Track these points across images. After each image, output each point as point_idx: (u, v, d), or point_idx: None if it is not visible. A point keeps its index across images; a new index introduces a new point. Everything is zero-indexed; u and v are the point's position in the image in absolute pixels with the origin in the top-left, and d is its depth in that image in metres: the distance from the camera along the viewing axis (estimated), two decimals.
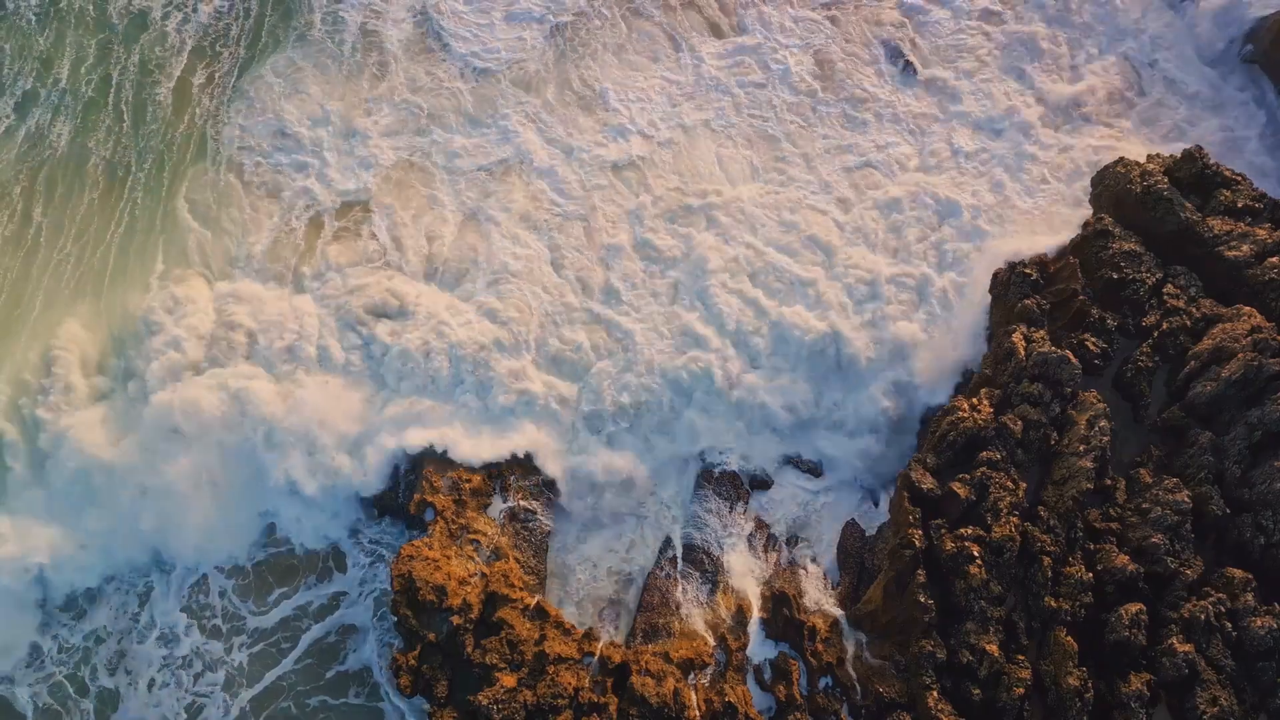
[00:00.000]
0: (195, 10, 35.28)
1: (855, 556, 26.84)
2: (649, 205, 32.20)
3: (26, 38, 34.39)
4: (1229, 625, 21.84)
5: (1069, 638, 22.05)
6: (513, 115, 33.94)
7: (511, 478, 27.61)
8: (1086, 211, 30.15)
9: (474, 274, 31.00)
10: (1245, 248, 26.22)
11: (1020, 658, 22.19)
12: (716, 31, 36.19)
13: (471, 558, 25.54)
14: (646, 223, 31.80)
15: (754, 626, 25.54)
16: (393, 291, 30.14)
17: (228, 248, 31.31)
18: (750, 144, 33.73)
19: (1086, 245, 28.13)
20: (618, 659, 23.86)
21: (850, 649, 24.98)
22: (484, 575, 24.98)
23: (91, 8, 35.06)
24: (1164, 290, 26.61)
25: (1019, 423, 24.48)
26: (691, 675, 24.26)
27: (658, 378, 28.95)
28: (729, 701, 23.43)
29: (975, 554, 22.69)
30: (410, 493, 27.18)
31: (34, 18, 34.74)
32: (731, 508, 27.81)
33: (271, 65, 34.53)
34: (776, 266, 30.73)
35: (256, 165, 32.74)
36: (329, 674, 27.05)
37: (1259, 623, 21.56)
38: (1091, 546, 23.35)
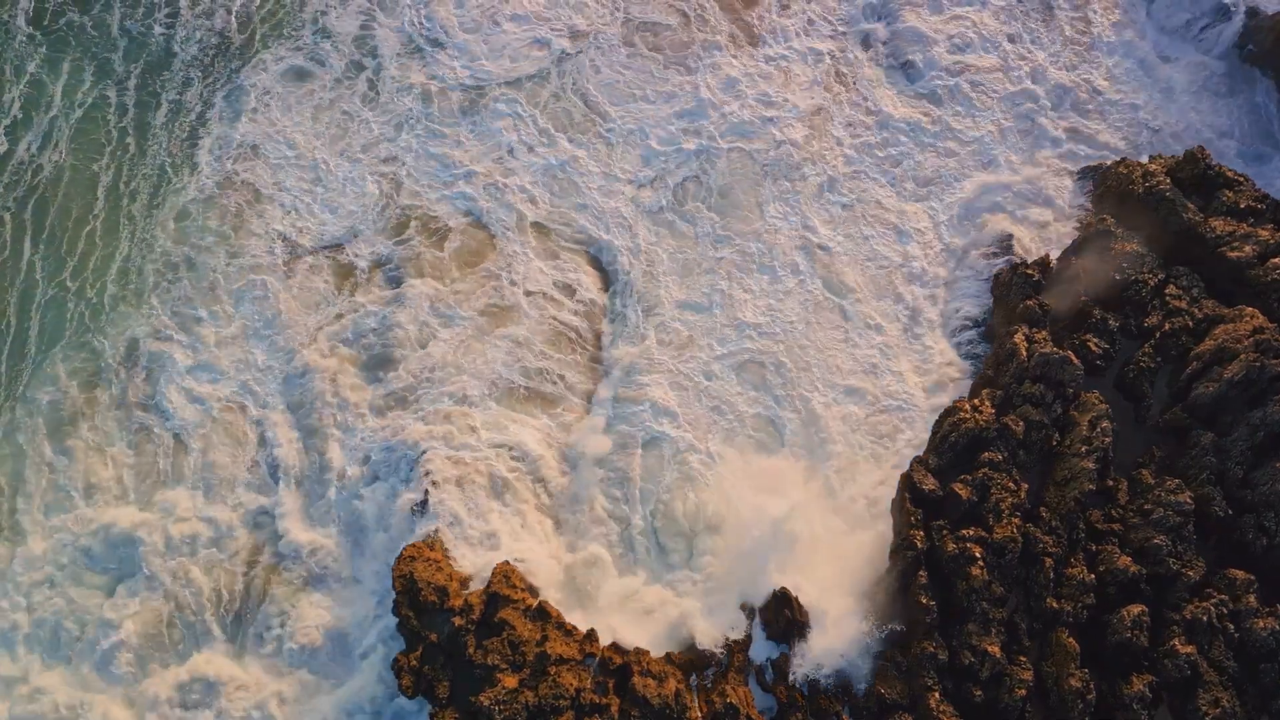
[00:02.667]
0: (190, 25, 35.05)
1: None
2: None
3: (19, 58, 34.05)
4: (1231, 627, 21.81)
5: (1071, 639, 22.02)
6: (509, 139, 33.47)
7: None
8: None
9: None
10: (1247, 248, 26.20)
11: (1022, 659, 22.16)
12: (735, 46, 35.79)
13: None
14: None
15: (755, 627, 25.51)
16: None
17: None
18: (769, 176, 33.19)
19: (1089, 246, 28.12)
20: (619, 660, 23.86)
21: (852, 650, 24.91)
22: (485, 576, 25.08)
23: (90, 25, 34.77)
24: (1166, 291, 26.59)
25: (1021, 423, 24.45)
26: (693, 676, 24.25)
27: None
28: (730, 702, 23.40)
29: (977, 555, 22.67)
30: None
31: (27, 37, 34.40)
32: None
33: (261, 84, 34.20)
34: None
35: (249, 187, 32.34)
36: None
37: (1261, 624, 21.53)
38: (1093, 547, 23.31)
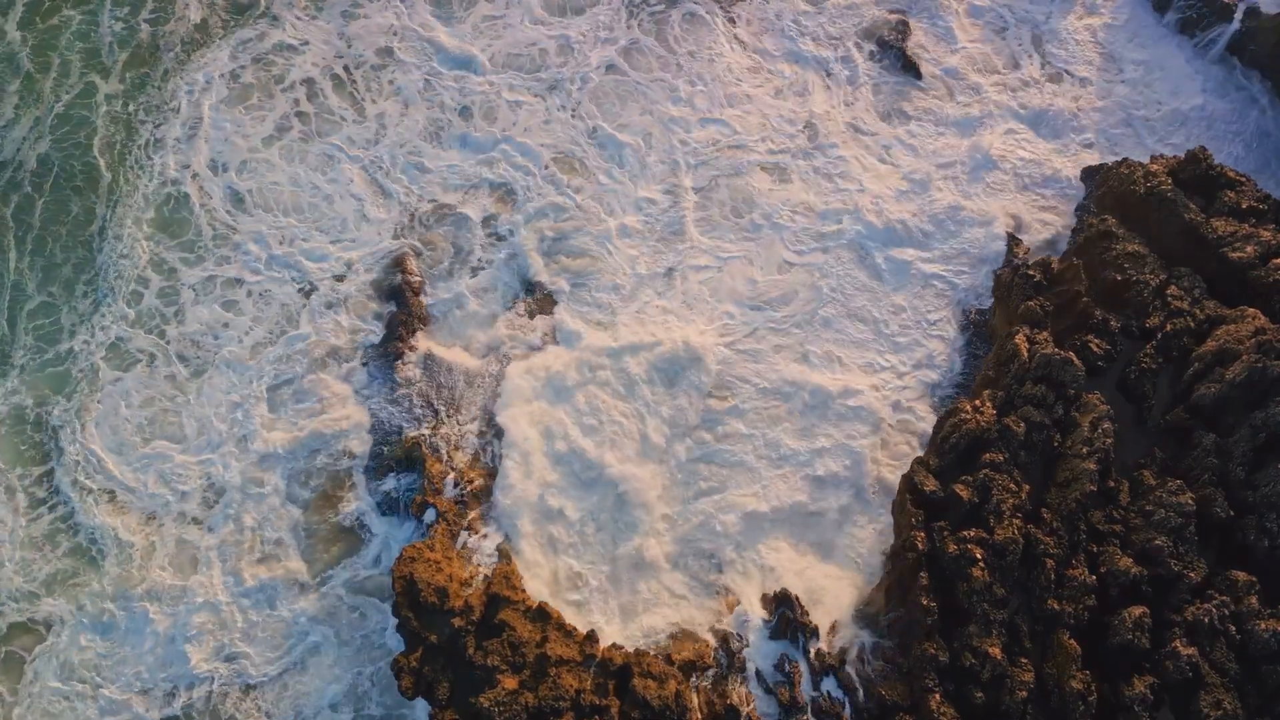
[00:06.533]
0: (180, 33, 34.93)
1: None
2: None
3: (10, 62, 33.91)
4: (1233, 628, 21.74)
5: (1072, 640, 21.97)
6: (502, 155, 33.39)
7: None
8: None
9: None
10: (1249, 249, 26.14)
11: (1023, 660, 22.11)
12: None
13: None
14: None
15: (756, 628, 25.48)
16: None
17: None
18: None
19: (1090, 247, 28.09)
20: (619, 661, 23.81)
21: (853, 651, 24.89)
22: (485, 577, 24.99)
23: (79, 24, 34.54)
24: (1167, 292, 26.53)
25: (1022, 424, 24.40)
26: (694, 677, 24.21)
27: None
28: (731, 704, 23.39)
29: (978, 556, 22.63)
30: None
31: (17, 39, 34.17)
32: None
33: (244, 77, 34.09)
34: None
35: (237, 187, 32.21)
36: None
37: (1263, 626, 21.46)
38: (1095, 549, 23.25)
